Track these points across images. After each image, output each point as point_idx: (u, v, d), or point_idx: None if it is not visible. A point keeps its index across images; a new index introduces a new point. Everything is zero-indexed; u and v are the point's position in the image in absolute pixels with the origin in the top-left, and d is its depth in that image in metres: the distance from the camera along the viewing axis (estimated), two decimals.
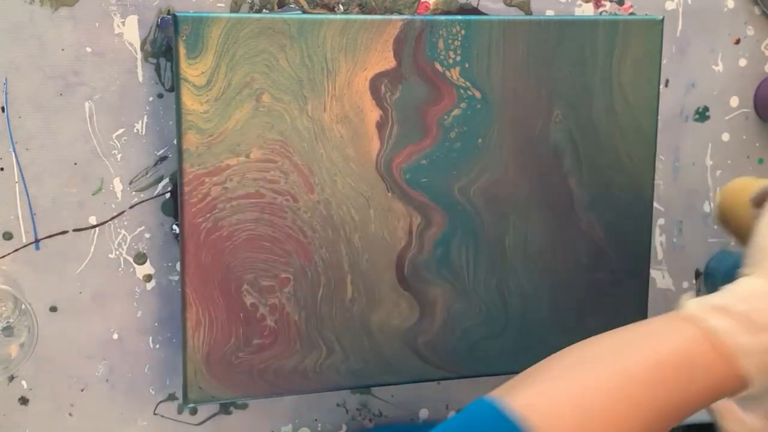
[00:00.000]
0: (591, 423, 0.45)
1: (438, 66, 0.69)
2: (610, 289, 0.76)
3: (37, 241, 0.69)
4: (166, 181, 0.71)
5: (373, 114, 0.68)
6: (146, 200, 0.71)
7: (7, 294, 0.67)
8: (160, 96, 0.70)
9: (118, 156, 0.70)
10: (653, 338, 0.48)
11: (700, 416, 0.88)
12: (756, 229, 0.52)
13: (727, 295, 0.49)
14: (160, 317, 0.73)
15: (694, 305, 0.49)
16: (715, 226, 0.76)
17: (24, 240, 0.69)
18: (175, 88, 0.65)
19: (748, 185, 0.65)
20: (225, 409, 0.76)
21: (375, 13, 0.74)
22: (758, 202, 0.60)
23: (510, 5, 0.76)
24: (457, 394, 0.82)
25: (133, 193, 0.71)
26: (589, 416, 0.45)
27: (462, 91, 0.70)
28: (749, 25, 0.83)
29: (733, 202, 0.66)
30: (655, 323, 0.51)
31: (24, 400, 0.72)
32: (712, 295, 0.49)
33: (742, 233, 0.63)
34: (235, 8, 0.71)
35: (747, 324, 0.46)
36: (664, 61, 0.76)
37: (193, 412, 0.75)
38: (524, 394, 0.47)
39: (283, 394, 0.71)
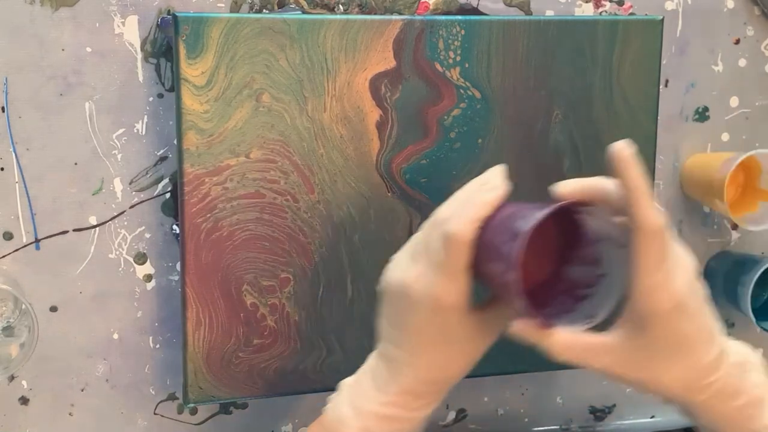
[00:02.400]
0: None
1: (438, 66, 0.69)
2: None
3: (37, 241, 0.69)
4: (166, 181, 0.71)
5: (373, 114, 0.68)
6: (146, 200, 0.71)
7: (7, 294, 0.68)
8: (160, 96, 0.70)
9: (118, 156, 0.70)
10: None
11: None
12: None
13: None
14: (160, 317, 0.73)
15: None
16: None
17: (24, 240, 0.69)
18: (175, 88, 0.65)
19: (704, 156, 0.83)
20: (225, 409, 0.76)
21: (375, 13, 0.74)
22: None
23: (510, 5, 0.76)
24: (457, 393, 0.81)
25: (133, 193, 0.71)
26: None
27: (462, 91, 0.70)
28: (749, 26, 0.83)
29: (693, 166, 0.82)
30: None
31: (24, 400, 0.72)
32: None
33: (700, 191, 0.81)
34: (235, 8, 0.71)
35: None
36: (664, 61, 0.76)
37: (193, 412, 0.75)
38: None
39: (283, 394, 0.71)
